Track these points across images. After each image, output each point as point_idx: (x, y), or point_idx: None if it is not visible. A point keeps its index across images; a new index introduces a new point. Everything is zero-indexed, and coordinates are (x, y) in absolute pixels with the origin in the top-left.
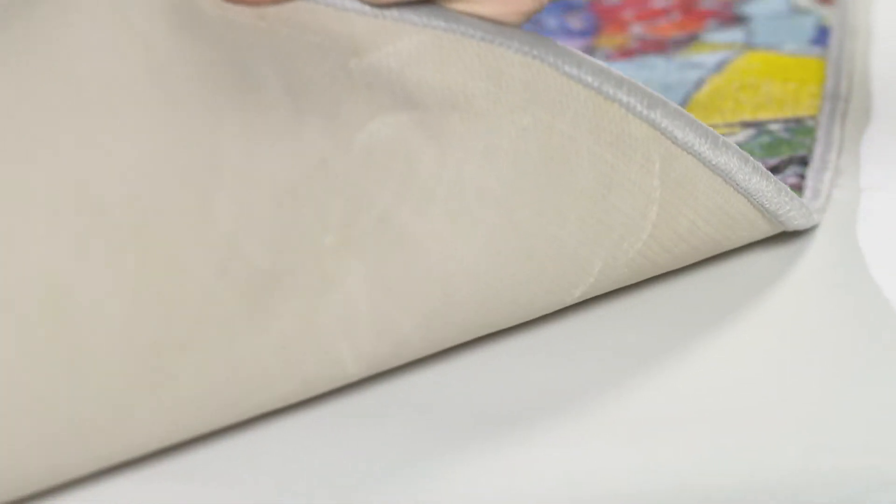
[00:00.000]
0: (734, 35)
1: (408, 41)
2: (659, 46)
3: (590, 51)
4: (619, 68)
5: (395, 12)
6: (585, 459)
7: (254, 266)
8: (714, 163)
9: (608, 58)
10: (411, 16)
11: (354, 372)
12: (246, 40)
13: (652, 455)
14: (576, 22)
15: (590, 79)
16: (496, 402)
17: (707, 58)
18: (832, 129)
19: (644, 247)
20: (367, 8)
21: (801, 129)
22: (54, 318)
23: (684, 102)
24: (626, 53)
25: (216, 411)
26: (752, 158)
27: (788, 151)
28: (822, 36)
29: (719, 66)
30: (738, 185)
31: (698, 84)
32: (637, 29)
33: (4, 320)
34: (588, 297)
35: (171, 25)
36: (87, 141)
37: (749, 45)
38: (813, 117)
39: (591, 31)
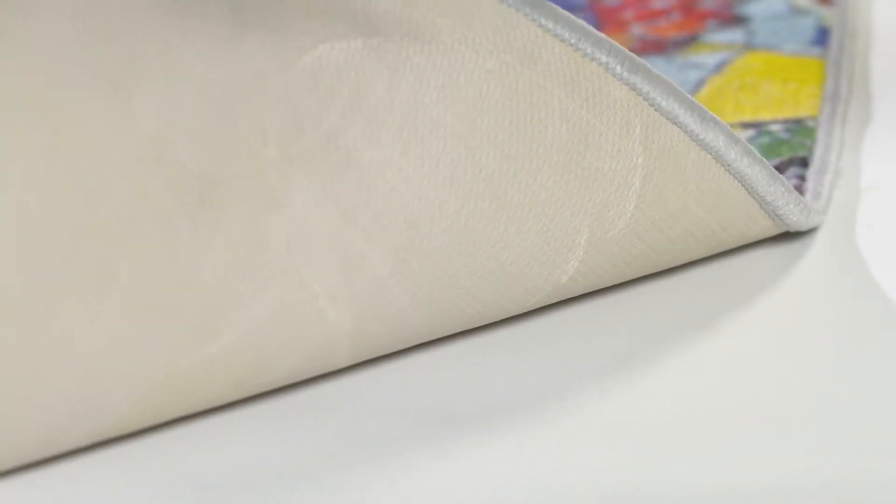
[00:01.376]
0: (734, 35)
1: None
2: (659, 47)
3: None
4: None
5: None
6: (578, 458)
7: (186, 167)
8: (702, 138)
9: None
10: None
11: (335, 318)
12: None
13: (647, 454)
14: None
15: (566, 34)
16: (473, 399)
17: (707, 58)
18: (832, 130)
19: (633, 221)
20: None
21: (801, 129)
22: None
23: None
24: None
25: (163, 323)
26: (742, 140)
27: (789, 152)
28: (822, 36)
29: (719, 67)
30: (728, 165)
31: (698, 84)
32: (637, 29)
33: None
34: (582, 281)
35: None
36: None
37: (749, 46)
38: (813, 118)
39: None
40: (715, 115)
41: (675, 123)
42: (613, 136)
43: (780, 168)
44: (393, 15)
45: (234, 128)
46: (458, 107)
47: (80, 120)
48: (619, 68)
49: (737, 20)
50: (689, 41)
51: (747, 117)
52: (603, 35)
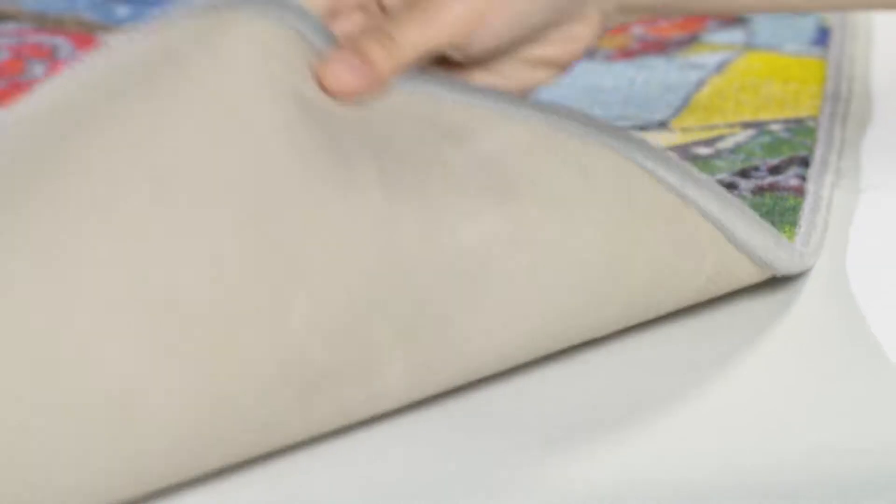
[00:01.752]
0: (735, 36)
1: (504, 131)
2: (659, 47)
3: (590, 51)
4: (620, 68)
5: (491, 101)
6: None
7: (313, 363)
8: (685, 194)
9: (609, 58)
10: (507, 106)
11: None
12: (347, 129)
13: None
14: None
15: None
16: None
17: (708, 58)
18: (833, 130)
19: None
20: (463, 97)
21: (801, 129)
22: (119, 420)
23: (685, 103)
24: (626, 54)
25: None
26: (727, 194)
27: (789, 152)
28: (822, 37)
29: (720, 67)
30: (714, 218)
31: (699, 84)
32: (638, 29)
33: (70, 421)
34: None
35: (278, 117)
36: (174, 238)
37: (750, 46)
38: (814, 118)
39: None
40: (698, 173)
41: (662, 183)
42: (685, 273)
43: (781, 167)
44: (520, 174)
45: (365, 316)
46: (566, 274)
47: (237, 335)
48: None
49: (737, 20)
50: (689, 41)
51: (748, 117)
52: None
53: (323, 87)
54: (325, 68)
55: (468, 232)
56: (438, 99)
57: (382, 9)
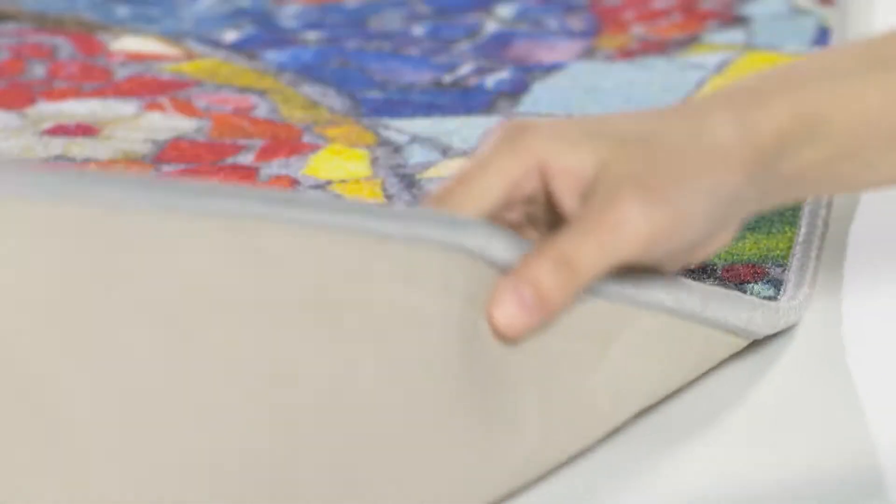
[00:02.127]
0: (735, 36)
1: (641, 325)
2: (659, 47)
3: (590, 51)
4: (620, 68)
5: (631, 289)
6: None
7: None
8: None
9: (609, 58)
10: (642, 294)
11: None
12: (512, 362)
13: None
14: (576, 22)
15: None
16: None
17: (708, 58)
18: None
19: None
20: (613, 288)
21: None
22: None
23: None
24: (626, 54)
25: None
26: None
27: None
28: (822, 37)
29: (720, 67)
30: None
31: (699, 85)
32: (638, 30)
33: None
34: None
35: (452, 350)
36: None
37: (750, 46)
38: None
39: (591, 32)
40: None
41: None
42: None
43: None
44: (654, 371)
45: None
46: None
47: None
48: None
49: (737, 20)
50: (689, 41)
51: None
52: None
53: (492, 325)
54: (496, 306)
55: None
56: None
57: (551, 204)
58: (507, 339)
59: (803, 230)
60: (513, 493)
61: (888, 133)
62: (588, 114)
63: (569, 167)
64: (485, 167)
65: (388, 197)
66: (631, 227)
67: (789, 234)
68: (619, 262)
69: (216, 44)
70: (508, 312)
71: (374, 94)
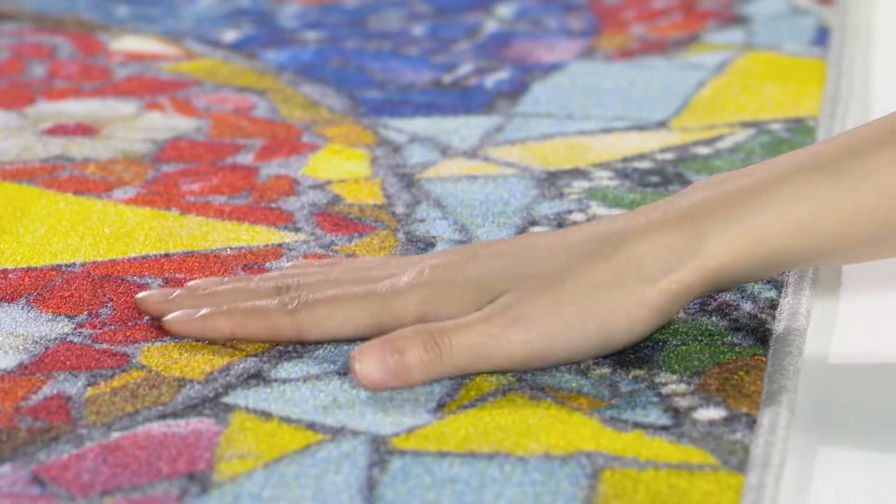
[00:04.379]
0: (734, 35)
1: None
2: (659, 47)
3: (590, 51)
4: (620, 68)
5: None
6: None
7: None
8: None
9: (609, 58)
10: None
11: None
12: None
13: None
14: (576, 22)
15: None
16: None
17: (708, 58)
18: (833, 130)
19: None
20: None
21: (801, 128)
22: None
23: (685, 103)
24: (626, 54)
25: None
26: None
27: (789, 151)
28: (822, 36)
29: (720, 68)
30: None
31: (699, 85)
32: (637, 29)
33: None
34: None
35: None
36: None
37: (749, 46)
38: (814, 117)
39: (591, 32)
40: None
41: None
42: None
43: None
44: None
45: None
46: None
47: None
48: None
49: (737, 20)
50: (689, 41)
51: (747, 117)
52: None
53: (352, 369)
54: (360, 357)
55: None
56: None
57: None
58: (363, 386)
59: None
60: None
61: (828, 243)
62: (588, 113)
63: None
64: None
65: (388, 196)
66: (501, 350)
67: None
68: (484, 370)
69: (216, 44)
70: (369, 367)
71: (374, 94)
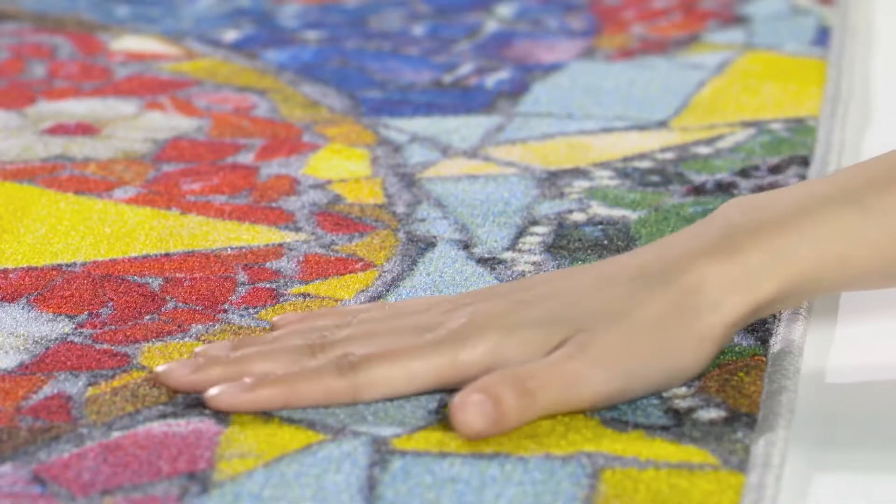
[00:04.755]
0: (735, 35)
1: None
2: (659, 47)
3: (590, 51)
4: (620, 68)
5: None
6: None
7: None
8: None
9: (609, 58)
10: None
11: None
12: None
13: None
14: (576, 22)
15: None
16: None
17: (708, 58)
18: (833, 130)
19: None
20: None
21: (801, 128)
22: None
23: (685, 103)
24: (626, 54)
25: None
26: None
27: (789, 151)
28: (822, 36)
29: (720, 68)
30: None
31: (699, 85)
32: (638, 29)
33: None
34: None
35: None
36: None
37: (749, 46)
38: (814, 117)
39: (591, 32)
40: None
41: None
42: None
43: (781, 166)
44: None
45: None
46: None
47: None
48: None
49: (737, 20)
50: (689, 41)
51: (748, 116)
52: None
53: (453, 422)
54: (460, 409)
55: None
56: None
57: None
58: (464, 437)
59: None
60: None
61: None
62: (588, 113)
63: None
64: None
65: (389, 196)
66: (588, 389)
67: None
68: (570, 410)
69: (216, 43)
70: (471, 419)
71: (374, 94)
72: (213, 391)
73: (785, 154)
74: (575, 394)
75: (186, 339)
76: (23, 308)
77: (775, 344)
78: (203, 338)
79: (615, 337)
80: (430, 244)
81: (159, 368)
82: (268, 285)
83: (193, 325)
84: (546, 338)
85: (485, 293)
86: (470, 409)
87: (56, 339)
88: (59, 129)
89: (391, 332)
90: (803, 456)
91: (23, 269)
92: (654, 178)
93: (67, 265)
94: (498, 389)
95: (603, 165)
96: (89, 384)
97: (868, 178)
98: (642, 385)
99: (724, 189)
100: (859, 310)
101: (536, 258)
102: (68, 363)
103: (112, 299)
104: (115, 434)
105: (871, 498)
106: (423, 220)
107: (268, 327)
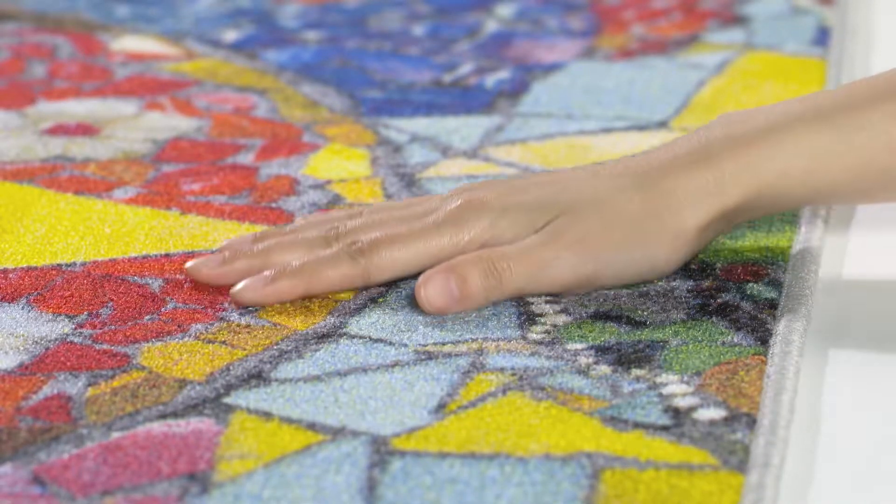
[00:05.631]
0: (735, 35)
1: None
2: (659, 47)
3: (590, 51)
4: (620, 68)
5: None
6: None
7: None
8: None
9: (609, 58)
10: None
11: None
12: None
13: None
14: (576, 22)
15: None
16: None
17: (708, 58)
18: None
19: None
20: None
21: None
22: None
23: (685, 103)
24: (626, 54)
25: None
26: None
27: None
28: (822, 36)
29: (720, 68)
30: None
31: (699, 84)
32: (638, 29)
33: None
34: None
35: None
36: None
37: (749, 46)
38: None
39: (591, 32)
40: None
41: None
42: None
43: None
44: None
45: None
46: None
47: None
48: None
49: (737, 20)
50: (689, 41)
51: None
52: None
53: (417, 295)
54: (426, 283)
55: None
56: None
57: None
58: (427, 311)
59: (803, 229)
60: None
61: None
62: (588, 113)
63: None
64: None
65: (388, 196)
66: (557, 272)
67: (789, 233)
68: (539, 292)
69: (216, 44)
70: (434, 293)
71: (374, 94)
72: (237, 286)
73: None
74: (544, 276)
75: (186, 338)
76: (22, 308)
77: (775, 344)
78: (203, 337)
79: (592, 224)
80: None
81: (189, 264)
82: None
83: (193, 324)
84: (534, 220)
85: (483, 182)
86: (433, 285)
87: (56, 339)
88: (59, 130)
89: (397, 220)
90: (803, 455)
91: (23, 269)
92: None
93: (67, 265)
94: (466, 269)
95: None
96: (89, 384)
97: (840, 99)
98: (613, 273)
99: None
100: (859, 310)
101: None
102: (68, 363)
103: (112, 299)
104: (115, 434)
105: (872, 497)
106: None
107: (271, 326)
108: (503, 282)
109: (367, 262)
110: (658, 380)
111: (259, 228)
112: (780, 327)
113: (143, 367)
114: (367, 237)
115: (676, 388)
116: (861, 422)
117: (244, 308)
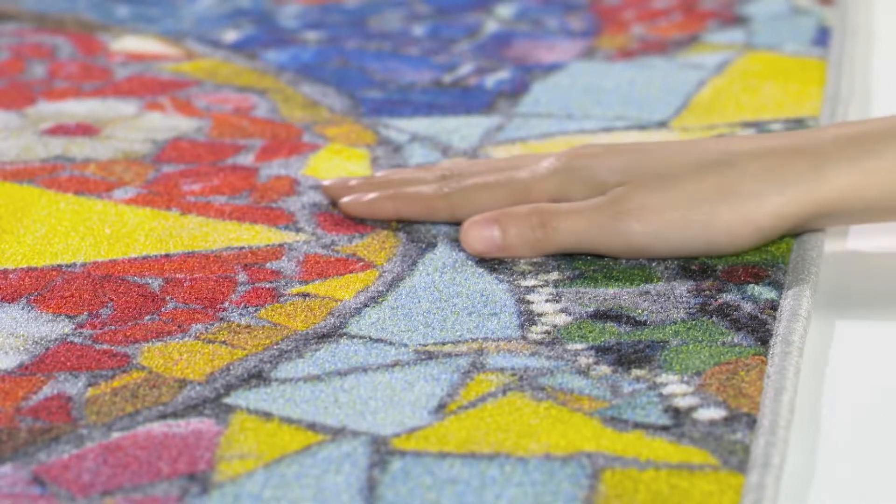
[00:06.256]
0: (735, 35)
1: None
2: (659, 47)
3: (590, 51)
4: (620, 68)
5: None
6: None
7: None
8: None
9: (609, 58)
10: None
11: None
12: None
13: None
14: (576, 22)
15: None
16: None
17: (708, 58)
18: None
19: None
20: None
21: (802, 128)
22: None
23: (685, 103)
24: (626, 54)
25: None
26: None
27: None
28: (822, 36)
29: (720, 68)
30: None
31: (699, 85)
32: (638, 29)
33: None
34: None
35: None
36: None
37: (749, 46)
38: (814, 118)
39: (591, 32)
40: None
41: None
42: None
43: None
44: None
45: None
46: None
47: None
48: None
49: (737, 20)
50: (689, 41)
51: (748, 117)
52: None
53: (461, 234)
54: (471, 226)
55: None
56: None
57: None
58: (470, 253)
59: (803, 234)
60: None
61: None
62: (588, 113)
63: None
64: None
65: None
66: (606, 237)
67: (789, 238)
68: (587, 252)
69: (216, 44)
70: (475, 236)
71: (374, 94)
72: (343, 199)
73: None
74: (589, 240)
75: (186, 338)
76: (22, 308)
77: (775, 344)
78: (203, 337)
79: (650, 198)
80: (430, 244)
81: (325, 182)
82: (267, 285)
83: (193, 324)
84: (595, 185)
85: (578, 146)
86: (476, 229)
87: (56, 339)
88: (59, 130)
89: (492, 170)
90: (803, 455)
91: (23, 269)
92: None
93: (67, 265)
94: (512, 220)
95: None
96: (89, 385)
97: None
98: (664, 247)
99: None
100: (859, 309)
101: (536, 258)
102: (68, 363)
103: (112, 299)
104: (115, 435)
105: (872, 497)
106: (423, 220)
107: (271, 326)
108: (548, 238)
109: (453, 201)
110: (658, 380)
111: (259, 228)
112: (781, 328)
113: (143, 368)
114: (462, 181)
115: (676, 388)
116: (861, 422)
117: (245, 310)
